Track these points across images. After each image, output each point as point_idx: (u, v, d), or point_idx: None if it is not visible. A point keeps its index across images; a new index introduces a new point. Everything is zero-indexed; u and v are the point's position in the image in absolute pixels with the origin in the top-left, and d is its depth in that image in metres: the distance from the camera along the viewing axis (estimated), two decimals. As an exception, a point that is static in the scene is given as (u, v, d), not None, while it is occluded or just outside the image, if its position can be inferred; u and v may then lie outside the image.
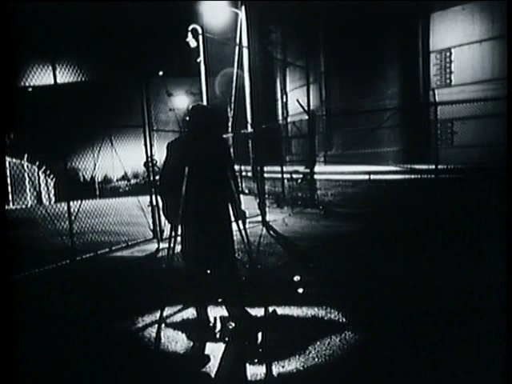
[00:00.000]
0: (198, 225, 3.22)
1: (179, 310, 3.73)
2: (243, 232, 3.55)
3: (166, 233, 6.31)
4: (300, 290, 4.08)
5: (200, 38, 10.78)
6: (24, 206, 12.77)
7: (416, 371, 2.61)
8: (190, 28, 11.02)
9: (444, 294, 3.82)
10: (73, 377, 2.77)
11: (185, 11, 11.08)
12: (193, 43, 11.16)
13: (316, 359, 2.76)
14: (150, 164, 6.77)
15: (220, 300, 3.67)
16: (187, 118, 3.42)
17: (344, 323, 3.31)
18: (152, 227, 6.82)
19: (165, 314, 3.57)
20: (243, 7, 10.34)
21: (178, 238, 3.34)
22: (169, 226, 3.38)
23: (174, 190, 3.18)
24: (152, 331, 3.34)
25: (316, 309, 3.59)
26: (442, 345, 2.88)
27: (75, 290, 4.52)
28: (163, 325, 3.43)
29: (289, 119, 18.50)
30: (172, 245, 3.38)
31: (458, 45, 13.04)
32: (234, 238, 3.43)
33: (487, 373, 2.51)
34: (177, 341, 3.17)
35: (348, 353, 2.83)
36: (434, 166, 9.02)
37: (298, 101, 10.12)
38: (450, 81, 13.28)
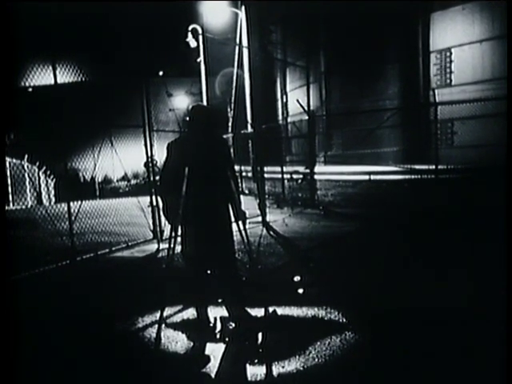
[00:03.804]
0: (198, 225, 3.22)
1: (179, 311, 3.74)
2: (243, 232, 3.54)
3: (166, 233, 6.31)
4: (300, 291, 4.08)
5: (200, 38, 10.79)
6: (24, 207, 12.76)
7: (416, 371, 2.61)
8: (190, 28, 11.03)
9: (444, 294, 3.82)
10: (73, 377, 2.77)
11: (185, 11, 11.09)
12: (193, 43, 11.17)
13: (316, 359, 2.76)
14: (150, 164, 6.78)
15: (220, 300, 3.67)
16: (187, 118, 3.42)
17: (344, 323, 3.31)
18: (152, 228, 6.82)
19: (165, 314, 3.57)
20: (243, 7, 10.35)
21: (178, 239, 3.34)
22: (169, 226, 3.38)
23: (174, 191, 3.17)
24: (152, 331, 3.34)
25: (316, 309, 3.59)
26: (443, 345, 2.87)
27: (75, 290, 4.52)
28: (163, 325, 3.43)
29: (289, 119, 18.51)
30: (172, 245, 3.37)
31: (458, 45, 13.04)
32: (234, 238, 3.43)
33: (488, 373, 2.51)
34: (177, 341, 3.17)
35: (348, 353, 2.83)
36: (434, 166, 9.00)
37: (298, 101, 10.11)
38: (450, 81, 13.28)
